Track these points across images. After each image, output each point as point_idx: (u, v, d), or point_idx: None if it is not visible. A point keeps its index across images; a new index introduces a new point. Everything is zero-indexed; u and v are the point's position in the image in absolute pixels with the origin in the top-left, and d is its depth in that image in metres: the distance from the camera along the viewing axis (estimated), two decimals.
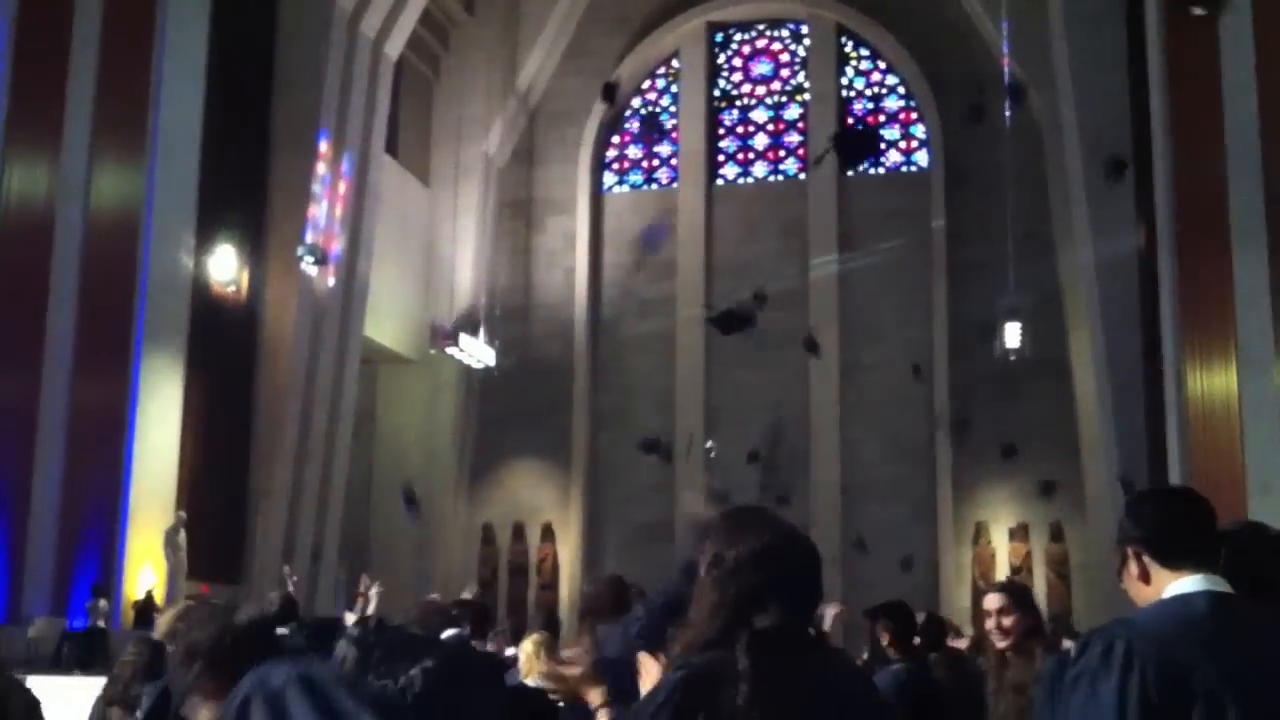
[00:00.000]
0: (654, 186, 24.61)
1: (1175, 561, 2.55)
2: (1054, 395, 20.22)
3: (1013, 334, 18.92)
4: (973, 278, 21.06)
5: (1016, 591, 4.80)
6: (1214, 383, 14.67)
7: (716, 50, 24.88)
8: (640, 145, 24.57)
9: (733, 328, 16.53)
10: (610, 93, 19.43)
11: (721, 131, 24.68)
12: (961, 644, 6.55)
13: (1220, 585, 2.54)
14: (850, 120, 24.04)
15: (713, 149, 24.41)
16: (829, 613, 5.86)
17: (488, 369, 22.35)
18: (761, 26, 24.89)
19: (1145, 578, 2.60)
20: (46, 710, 4.65)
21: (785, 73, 24.82)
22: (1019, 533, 21.10)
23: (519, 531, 23.02)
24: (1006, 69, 20.10)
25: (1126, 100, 18.22)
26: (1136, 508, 2.69)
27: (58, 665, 12.58)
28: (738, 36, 24.96)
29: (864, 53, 24.21)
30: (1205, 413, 14.64)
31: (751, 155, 24.52)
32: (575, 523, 23.01)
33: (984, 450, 20.89)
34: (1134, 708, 2.36)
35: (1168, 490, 2.96)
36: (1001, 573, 20.89)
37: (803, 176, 23.85)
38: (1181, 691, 2.39)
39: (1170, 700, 2.37)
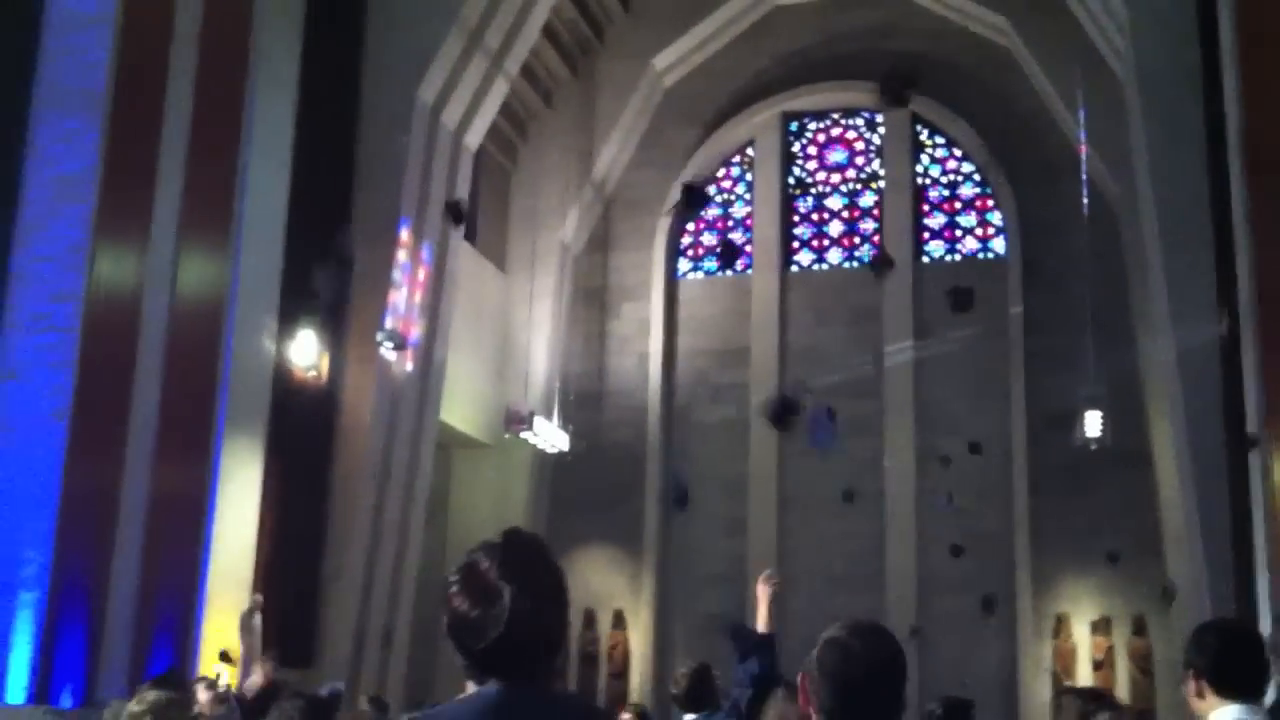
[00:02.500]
0: (728, 273, 24.74)
1: (1224, 690, 3.28)
2: (1135, 485, 19.83)
3: (1093, 423, 18.64)
4: (1050, 366, 20.82)
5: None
6: None
7: (791, 139, 25.07)
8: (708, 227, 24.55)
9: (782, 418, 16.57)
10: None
11: (796, 219, 24.79)
12: None
13: (1255, 714, 3.28)
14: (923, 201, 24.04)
15: (787, 236, 24.52)
16: None
17: (561, 454, 22.42)
18: (835, 115, 25.05)
19: (1201, 694, 3.35)
20: None
21: (860, 160, 24.93)
22: (1101, 626, 20.60)
23: (590, 618, 22.92)
24: (1084, 156, 20.03)
25: (1205, 185, 18.00)
26: (1200, 637, 3.44)
27: None
28: (812, 125, 25.14)
29: (939, 140, 24.26)
30: None
31: (826, 242, 24.59)
32: (646, 610, 22.87)
33: (1063, 541, 20.51)
34: None
35: (1228, 628, 3.58)
36: (1083, 667, 20.40)
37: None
38: None
39: None
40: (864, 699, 2.60)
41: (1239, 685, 3.30)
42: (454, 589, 2.41)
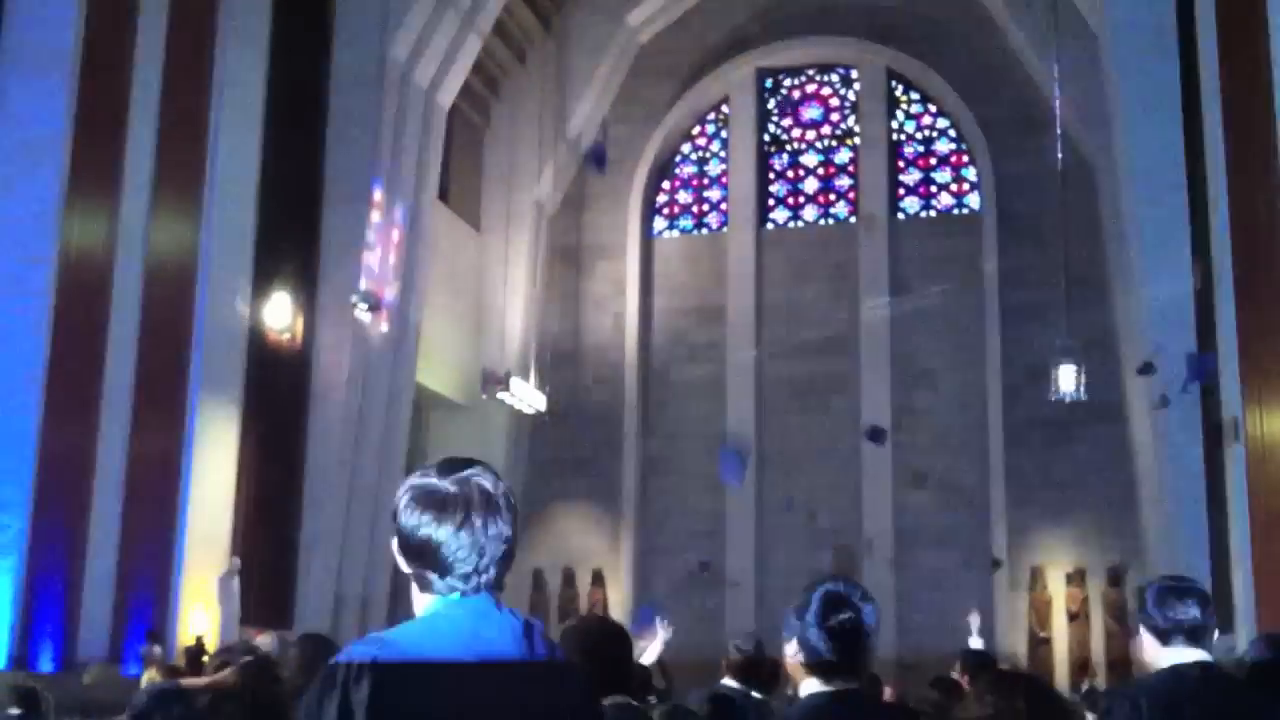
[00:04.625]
0: (704, 231, 24.67)
1: (1168, 641, 3.54)
2: (1109, 439, 19.96)
3: (1067, 377, 18.69)
4: (1025, 321, 20.89)
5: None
6: (1274, 425, 14.41)
7: (766, 95, 24.96)
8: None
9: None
10: None
11: (771, 176, 24.72)
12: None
13: (1204, 657, 3.52)
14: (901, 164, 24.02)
15: (763, 193, 24.45)
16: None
17: (538, 414, 22.40)
18: (811, 71, 24.94)
19: (1145, 648, 3.61)
20: None
21: (835, 117, 24.84)
22: (1076, 578, 20.75)
23: (569, 577, 22.97)
24: (1058, 110, 19.99)
25: (1180, 139, 18.04)
26: (1144, 593, 3.66)
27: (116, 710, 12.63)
28: (787, 81, 25.02)
29: (914, 96, 24.19)
30: (1265, 456, 14.38)
31: (802, 199, 24.53)
32: (625, 568, 22.94)
33: (1039, 494, 20.63)
34: None
35: (1173, 587, 3.69)
36: (1058, 619, 20.58)
37: (853, 220, 23.83)
38: None
39: None
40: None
41: (1182, 636, 3.52)
42: (412, 506, 2.38)
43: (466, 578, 2.40)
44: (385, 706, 2.24)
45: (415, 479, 2.54)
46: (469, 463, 2.49)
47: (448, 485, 2.44)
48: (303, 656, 4.71)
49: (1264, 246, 14.69)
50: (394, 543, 2.47)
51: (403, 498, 2.46)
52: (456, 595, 2.40)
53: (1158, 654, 3.56)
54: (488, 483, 2.44)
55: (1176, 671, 3.50)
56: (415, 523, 2.41)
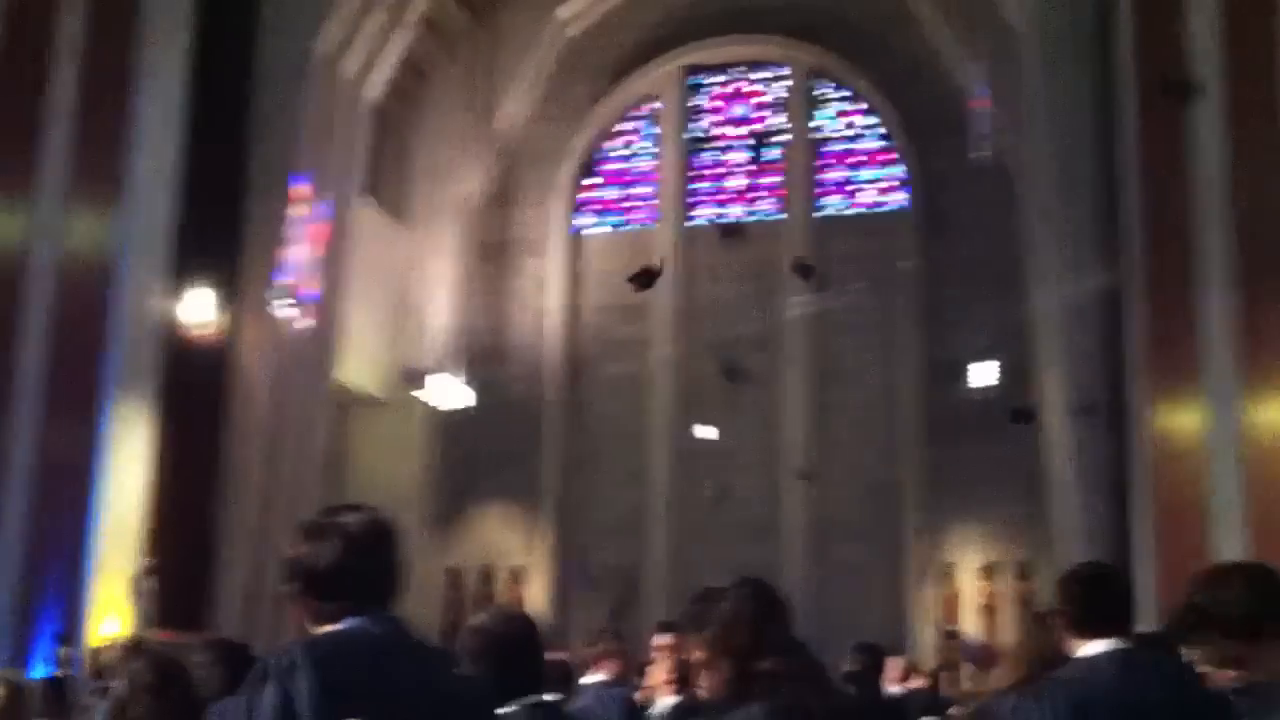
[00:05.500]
0: (629, 228, 24.65)
1: (1087, 629, 3.51)
2: (1023, 435, 20.18)
3: (982, 374, 18.92)
4: (947, 319, 21.07)
5: None
6: (1178, 421, 14.72)
7: (693, 93, 24.98)
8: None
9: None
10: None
11: (698, 173, 24.73)
12: None
13: (1122, 644, 3.48)
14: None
15: (687, 191, 24.47)
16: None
17: (460, 411, 22.27)
18: (739, 69, 25.00)
19: (1066, 635, 3.59)
20: None
21: (762, 114, 24.89)
22: (986, 572, 21.07)
23: (487, 575, 22.93)
24: (977, 109, 20.19)
25: (1098, 141, 18.28)
26: (1064, 582, 3.69)
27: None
28: (715, 79, 25.06)
29: (843, 94, 24.31)
30: (1169, 452, 14.68)
31: (726, 196, 24.57)
32: (544, 566, 22.90)
33: (953, 490, 20.85)
34: None
35: (1089, 572, 3.76)
36: (968, 612, 20.89)
37: (778, 217, 23.90)
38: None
39: None
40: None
41: (1104, 623, 3.50)
42: (303, 543, 2.58)
43: (366, 597, 2.50)
44: (328, 690, 2.30)
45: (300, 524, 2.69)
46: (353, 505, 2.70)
47: (335, 518, 2.59)
48: (213, 663, 4.67)
49: (1172, 246, 15.00)
50: (290, 588, 2.54)
51: (294, 540, 2.59)
52: (364, 615, 2.50)
53: (1075, 644, 3.51)
54: (374, 514, 2.61)
55: (1088, 663, 3.46)
56: (310, 552, 2.53)
